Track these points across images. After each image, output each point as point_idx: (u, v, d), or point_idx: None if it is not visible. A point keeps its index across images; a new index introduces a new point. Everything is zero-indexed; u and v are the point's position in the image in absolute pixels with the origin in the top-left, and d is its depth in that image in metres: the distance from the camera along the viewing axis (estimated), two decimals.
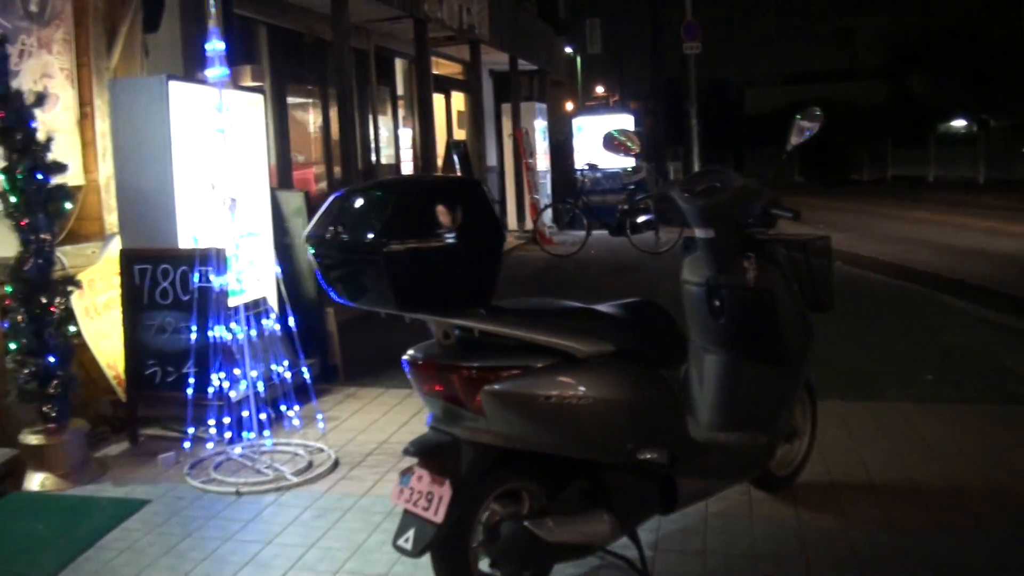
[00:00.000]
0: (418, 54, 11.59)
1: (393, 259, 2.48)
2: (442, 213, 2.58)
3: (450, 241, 2.53)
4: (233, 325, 4.64)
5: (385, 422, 5.37)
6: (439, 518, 2.70)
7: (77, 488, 4.53)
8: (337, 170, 11.05)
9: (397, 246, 2.47)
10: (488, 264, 2.69)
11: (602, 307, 3.16)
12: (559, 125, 21.52)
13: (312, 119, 11.00)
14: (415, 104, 13.35)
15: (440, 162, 13.29)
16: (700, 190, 3.72)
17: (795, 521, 3.74)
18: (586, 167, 15.54)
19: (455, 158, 13.10)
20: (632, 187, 15.73)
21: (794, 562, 3.39)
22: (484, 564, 2.96)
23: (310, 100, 10.89)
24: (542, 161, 17.88)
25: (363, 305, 2.71)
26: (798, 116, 3.78)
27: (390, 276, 2.49)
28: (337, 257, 2.63)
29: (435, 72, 13.78)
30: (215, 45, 4.39)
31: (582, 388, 2.84)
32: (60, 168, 4.48)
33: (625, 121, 19.38)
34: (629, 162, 18.42)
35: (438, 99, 14.87)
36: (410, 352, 2.87)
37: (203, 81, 4.62)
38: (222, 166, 4.77)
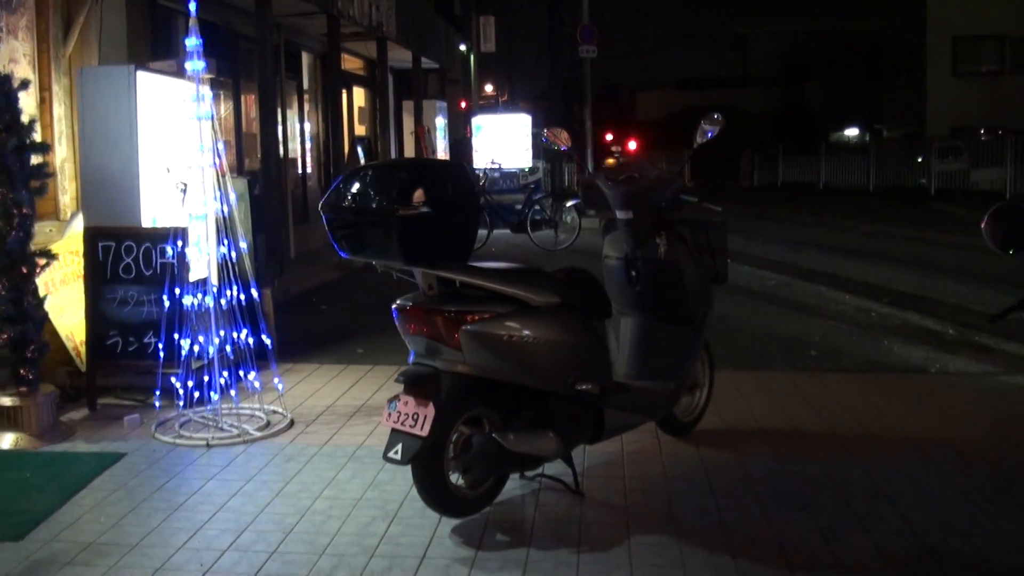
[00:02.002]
0: (329, 49, 12.38)
1: (402, 221, 3.38)
2: (418, 195, 3.49)
3: (442, 209, 3.45)
4: (200, 296, 5.40)
5: (328, 390, 6.19)
6: (425, 432, 3.60)
7: (50, 447, 5.18)
8: (248, 162, 11.73)
9: (406, 212, 3.37)
10: (468, 229, 3.64)
11: (549, 271, 4.11)
12: (457, 123, 22.46)
13: (222, 111, 11.65)
14: (320, 98, 14.09)
15: (346, 157, 14.06)
16: (622, 179, 4.71)
17: (697, 456, 4.77)
18: (490, 165, 16.51)
19: (360, 153, 13.88)
20: (532, 186, 16.78)
21: (699, 481, 4.41)
22: (453, 478, 3.88)
23: (221, 92, 11.54)
24: (442, 158, 18.79)
25: (366, 258, 3.63)
26: (703, 120, 4.82)
27: (399, 235, 3.39)
28: (351, 220, 3.52)
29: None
30: (193, 40, 5.16)
31: (536, 330, 3.79)
32: (43, 148, 5.18)
33: (524, 121, 20.43)
34: (527, 163, 19.50)
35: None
36: (399, 301, 3.78)
37: (181, 72, 5.37)
38: (179, 152, 5.52)
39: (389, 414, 3.72)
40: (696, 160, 5.57)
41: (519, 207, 15.71)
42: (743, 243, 14.10)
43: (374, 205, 3.48)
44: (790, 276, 11.41)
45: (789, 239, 15.62)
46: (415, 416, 3.63)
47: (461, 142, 22.14)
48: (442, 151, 18.95)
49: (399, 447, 3.65)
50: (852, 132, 45.50)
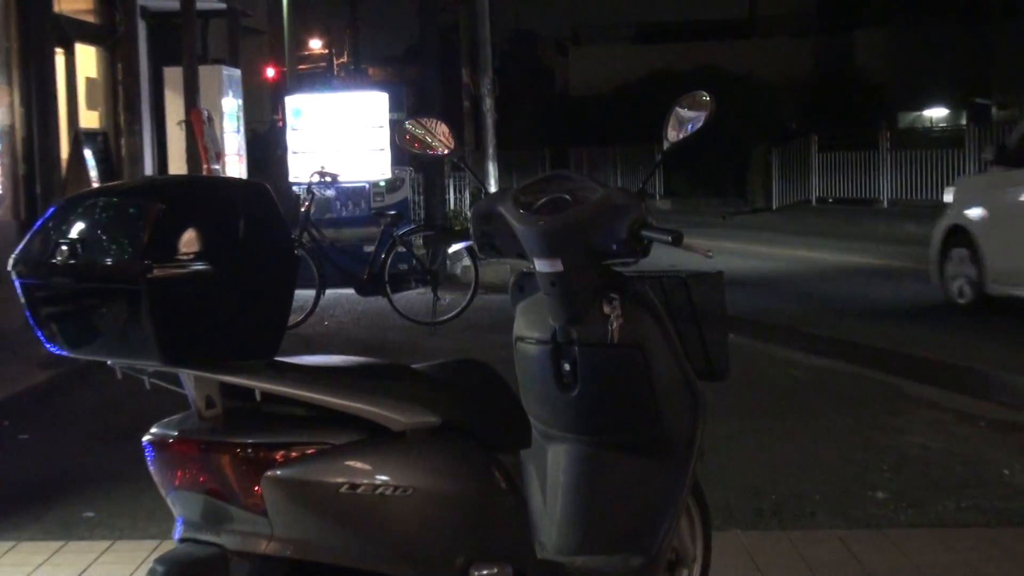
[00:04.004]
0: None
1: (159, 289, 3.29)
2: (187, 240, 3.42)
3: (230, 265, 3.37)
4: None
5: None
6: None
7: None
8: None
9: (166, 271, 3.29)
10: (278, 300, 3.57)
11: (419, 367, 4.06)
12: (260, 106, 22.41)
13: None
14: (16, 64, 13.94)
15: (64, 167, 13.85)
16: (542, 204, 4.69)
17: None
18: (318, 177, 16.36)
19: (89, 159, 13.70)
20: (392, 213, 16.70)
21: None
22: None
23: None
24: (234, 166, 18.68)
25: (93, 355, 3.51)
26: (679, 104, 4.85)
27: (153, 313, 3.30)
28: (66, 287, 3.41)
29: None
30: None
31: (398, 474, 3.71)
32: None
33: (377, 101, 20.45)
34: (384, 173, 19.44)
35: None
36: (155, 430, 3.66)
37: None
38: None
39: None
40: (671, 166, 5.58)
41: (370, 250, 15.63)
42: (756, 303, 14.27)
43: (109, 260, 3.36)
44: (838, 359, 11.56)
45: (834, 297, 15.86)
46: None
47: (268, 137, 22.09)
48: (234, 154, 18.84)
49: None
50: (937, 112, 46.67)
